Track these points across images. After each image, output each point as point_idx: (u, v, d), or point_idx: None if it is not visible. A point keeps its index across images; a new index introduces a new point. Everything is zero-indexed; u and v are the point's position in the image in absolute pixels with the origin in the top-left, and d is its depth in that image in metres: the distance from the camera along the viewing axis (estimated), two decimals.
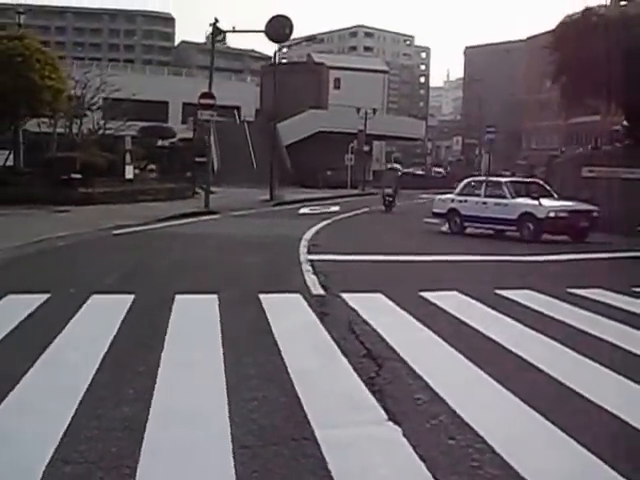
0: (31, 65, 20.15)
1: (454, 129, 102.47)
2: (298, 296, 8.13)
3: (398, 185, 27.48)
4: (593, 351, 5.94)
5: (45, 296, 7.73)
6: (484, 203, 17.64)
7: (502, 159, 73.35)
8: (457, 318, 7.22)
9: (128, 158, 24.54)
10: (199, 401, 4.48)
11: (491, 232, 17.75)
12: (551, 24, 21.03)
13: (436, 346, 6.09)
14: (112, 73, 33.04)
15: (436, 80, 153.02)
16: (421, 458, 3.64)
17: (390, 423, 4.14)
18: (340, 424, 4.14)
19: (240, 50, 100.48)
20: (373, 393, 4.67)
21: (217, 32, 23.04)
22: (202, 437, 3.87)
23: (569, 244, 15.87)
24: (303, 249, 13.03)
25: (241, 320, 6.94)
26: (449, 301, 8.08)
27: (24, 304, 7.20)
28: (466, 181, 19.35)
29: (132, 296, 7.85)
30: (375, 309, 7.56)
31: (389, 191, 26.60)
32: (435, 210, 19.50)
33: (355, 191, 41.78)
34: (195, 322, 6.86)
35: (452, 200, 18.73)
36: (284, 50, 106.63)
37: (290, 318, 7.10)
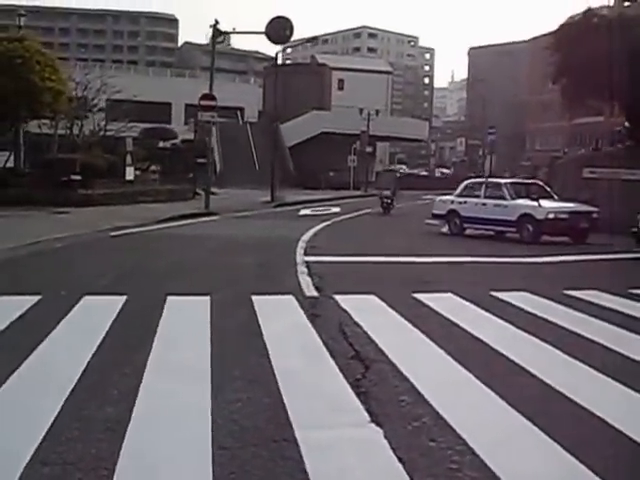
0: (31, 67, 20.21)
1: (458, 130, 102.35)
2: (291, 297, 8.12)
3: (397, 187, 27.01)
4: (584, 353, 5.90)
5: (36, 298, 7.74)
6: (484, 204, 17.61)
7: (506, 160, 73.23)
8: (449, 320, 7.20)
9: (129, 159, 24.58)
10: (182, 402, 4.47)
11: (491, 233, 17.71)
12: (555, 25, 20.97)
13: (425, 348, 6.07)
14: (113, 74, 33.00)
15: (440, 81, 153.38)
16: (400, 460, 3.62)
17: (372, 425, 4.12)
18: (322, 426, 4.13)
19: (244, 51, 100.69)
20: (358, 395, 4.65)
21: (217, 33, 23.00)
22: (182, 438, 3.86)
23: (568, 245, 15.83)
24: (300, 250, 13.02)
25: (231, 321, 6.94)
26: (442, 303, 8.06)
27: (15, 305, 7.21)
28: (466, 182, 19.32)
29: (124, 297, 7.85)
30: (367, 311, 7.55)
31: (387, 193, 26.00)
32: (435, 211, 19.47)
33: (357, 192, 41.74)
34: (185, 323, 6.86)
35: (452, 201, 18.70)
36: (288, 51, 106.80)
37: (281, 319, 7.10)
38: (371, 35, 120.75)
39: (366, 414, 4.29)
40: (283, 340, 6.19)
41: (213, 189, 30.16)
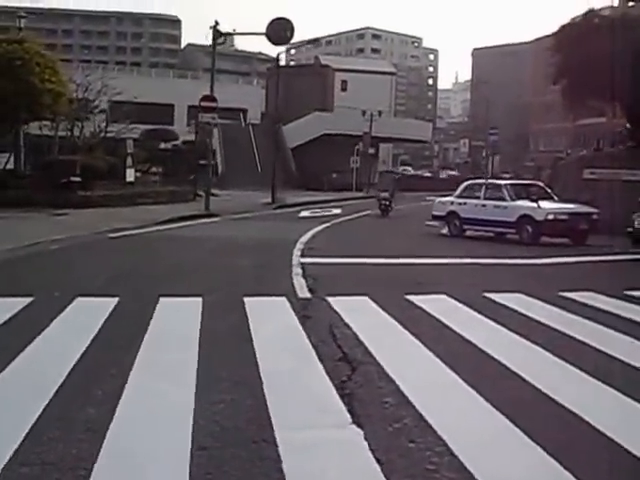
0: (31, 68, 20.29)
1: (461, 131, 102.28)
2: (283, 299, 8.12)
3: (395, 188, 26.45)
4: (575, 356, 5.86)
5: (29, 299, 7.76)
6: (483, 205, 17.58)
7: (510, 161, 73.15)
8: (440, 322, 7.18)
9: (129, 161, 24.63)
10: (166, 403, 4.48)
11: (491, 235, 17.68)
12: (558, 26, 21.01)
13: (414, 350, 6.06)
14: (114, 76, 33.06)
15: (445, 82, 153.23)
16: (378, 461, 3.62)
17: (353, 426, 4.12)
18: (303, 427, 4.13)
19: (248, 53, 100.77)
20: (342, 396, 4.65)
21: (218, 35, 23.01)
22: (162, 439, 3.87)
23: (568, 247, 15.80)
24: (297, 252, 13.02)
25: (222, 323, 6.94)
26: (435, 304, 8.04)
27: (6, 307, 7.23)
28: (466, 183, 19.29)
29: (116, 299, 7.86)
30: (359, 312, 7.55)
31: (385, 195, 25.33)
32: (435, 213, 19.45)
33: (359, 194, 41.72)
34: (175, 325, 6.87)
35: (451, 202, 18.67)
36: (292, 52, 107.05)
37: (271, 321, 7.11)
38: (375, 36, 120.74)
39: (348, 415, 4.29)
40: (272, 342, 6.19)
41: (215, 191, 30.26)
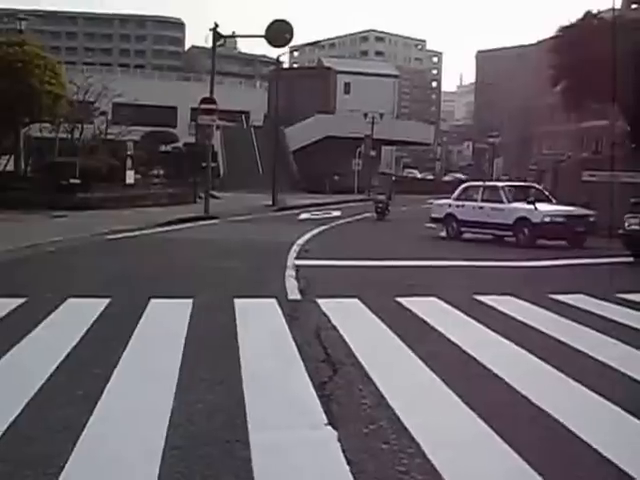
0: (31, 71, 20.41)
1: (465, 134, 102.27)
2: (273, 301, 8.15)
3: (392, 191, 26.12)
4: (559, 359, 5.85)
5: (22, 300, 7.82)
6: (480, 208, 17.60)
7: (514, 164, 73.09)
8: (427, 324, 7.20)
9: (129, 163, 24.72)
10: (144, 403, 4.53)
11: (489, 237, 17.68)
12: (556, 28, 21.11)
13: (398, 352, 6.08)
14: (114, 78, 33.19)
15: (449, 85, 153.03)
16: (348, 462, 3.64)
17: (328, 427, 4.14)
18: (277, 427, 4.17)
19: (251, 55, 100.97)
20: (320, 398, 4.67)
21: (217, 37, 23.08)
22: (137, 438, 3.91)
23: (564, 249, 15.79)
24: (292, 254, 13.07)
25: (209, 324, 6.99)
26: (424, 306, 8.07)
27: None
28: (463, 186, 19.32)
29: (107, 300, 7.91)
30: (347, 314, 7.58)
31: (382, 198, 24.78)
32: (433, 215, 19.49)
33: (361, 196, 41.73)
34: (163, 326, 6.92)
35: (449, 205, 18.70)
36: (295, 55, 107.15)
37: (259, 323, 7.14)
38: (378, 39, 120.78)
39: (324, 416, 4.31)
40: (257, 343, 6.23)
41: (216, 193, 30.33)
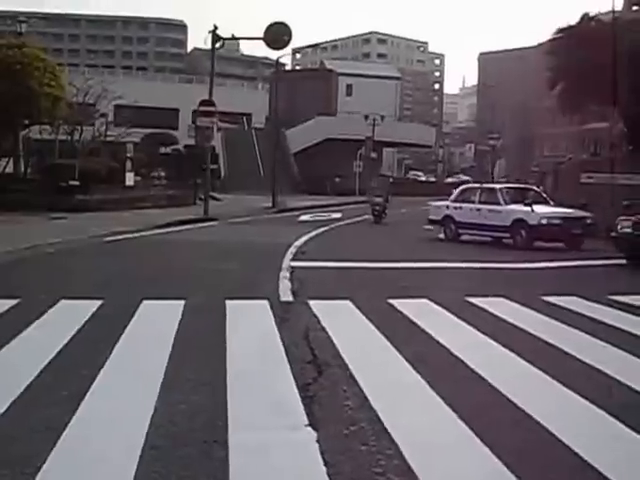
0: (30, 73, 20.49)
1: (467, 136, 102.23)
2: (265, 302, 8.18)
3: (390, 193, 25.55)
4: (546, 361, 5.82)
5: (15, 301, 7.87)
6: (478, 210, 17.62)
7: (516, 165, 73.05)
8: (417, 325, 7.22)
9: (129, 165, 24.79)
10: (127, 403, 4.55)
11: (487, 239, 17.69)
12: (554, 30, 21.15)
13: (385, 353, 6.09)
14: (113, 80, 33.31)
15: (452, 87, 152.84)
16: (325, 463, 3.65)
17: (309, 428, 4.16)
18: (258, 428, 4.18)
19: (254, 57, 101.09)
20: (303, 399, 4.69)
21: (216, 39, 23.15)
22: (117, 438, 3.94)
23: (561, 251, 15.79)
24: (289, 256, 13.10)
25: (199, 325, 7.02)
26: (415, 308, 8.08)
27: None
28: (461, 188, 19.35)
29: (100, 301, 7.95)
30: (337, 316, 7.60)
31: (379, 200, 24.05)
32: (431, 217, 19.51)
33: (362, 198, 41.71)
34: (152, 327, 6.96)
35: (447, 207, 18.72)
36: (297, 57, 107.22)
37: (248, 324, 7.17)
38: (380, 41, 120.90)
39: (305, 417, 4.33)
40: (244, 344, 6.26)
41: (217, 195, 30.36)
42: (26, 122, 23.04)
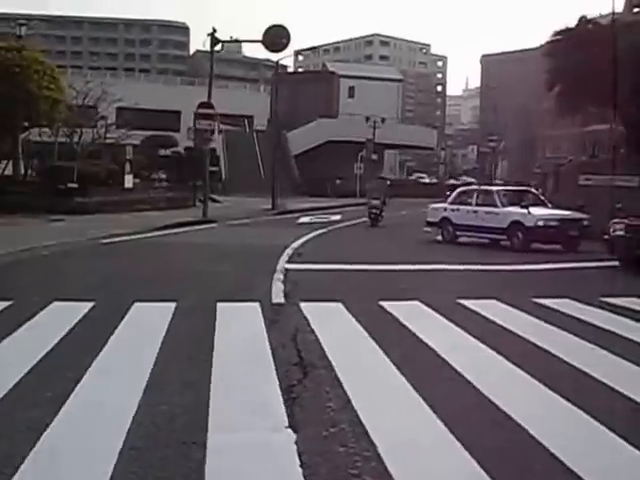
0: (29, 76, 20.58)
1: (470, 137, 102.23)
2: (256, 305, 8.20)
3: (387, 196, 25.10)
4: (533, 364, 5.82)
5: (7, 303, 7.91)
6: (475, 212, 17.64)
7: (519, 167, 73.02)
8: (406, 328, 7.23)
9: (128, 167, 24.84)
10: (110, 404, 4.58)
11: (486, 241, 17.69)
12: (551, 32, 21.23)
13: (372, 356, 6.09)
14: (114, 82, 33.39)
15: (455, 89, 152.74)
16: (302, 465, 3.67)
17: (288, 430, 4.18)
18: (237, 430, 4.21)
19: (257, 59, 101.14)
20: (285, 400, 4.71)
21: (215, 41, 23.21)
22: (97, 439, 3.97)
23: (557, 253, 15.79)
24: (285, 257, 13.13)
25: (188, 327, 7.05)
26: (406, 310, 8.09)
27: None
28: (459, 190, 19.36)
29: (92, 303, 7.98)
30: (327, 318, 7.63)
31: (376, 203, 23.41)
32: (429, 219, 19.52)
33: (362, 200, 41.68)
34: (142, 328, 6.99)
35: (444, 209, 18.74)
36: (300, 59, 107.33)
37: (238, 326, 7.19)
38: (383, 43, 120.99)
39: (286, 419, 4.35)
40: (232, 346, 6.28)
41: (218, 197, 30.42)
42: (25, 125, 23.12)
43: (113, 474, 3.50)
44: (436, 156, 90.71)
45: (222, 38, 23.42)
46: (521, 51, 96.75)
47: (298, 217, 26.77)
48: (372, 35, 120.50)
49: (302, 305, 8.22)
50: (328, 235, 19.87)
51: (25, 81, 20.43)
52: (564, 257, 14.87)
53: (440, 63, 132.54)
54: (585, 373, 5.66)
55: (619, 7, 32.39)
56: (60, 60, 66.97)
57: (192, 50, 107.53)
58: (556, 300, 9.08)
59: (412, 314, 7.91)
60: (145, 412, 4.40)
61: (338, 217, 27.15)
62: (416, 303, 8.63)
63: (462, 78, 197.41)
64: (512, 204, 17.16)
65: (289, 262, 12.51)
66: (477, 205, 17.75)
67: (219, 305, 8.06)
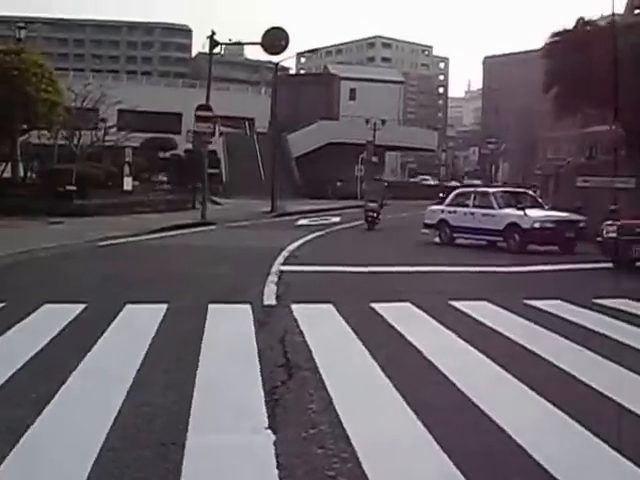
0: (27, 79, 20.66)
1: (472, 139, 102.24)
2: (247, 306, 8.23)
3: (385, 198, 24.89)
4: (518, 365, 5.81)
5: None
6: (472, 214, 17.67)
7: (520, 169, 73.00)
8: (395, 329, 7.24)
9: (127, 170, 24.89)
10: (92, 405, 4.61)
11: (483, 243, 17.72)
12: (549, 33, 21.24)
13: (358, 357, 6.11)
14: (115, 85, 33.48)
15: (457, 91, 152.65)
16: (278, 466, 3.69)
17: (268, 431, 4.19)
18: (217, 431, 4.23)
19: (258, 62, 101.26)
20: (267, 402, 4.73)
21: (214, 44, 23.27)
22: (77, 440, 3.99)
23: (554, 255, 15.81)
24: (280, 260, 13.15)
25: (177, 329, 7.08)
26: (396, 312, 8.11)
27: None
28: (456, 192, 19.40)
29: (83, 305, 8.02)
30: (316, 320, 7.65)
31: (373, 206, 22.91)
32: (426, 221, 19.55)
33: (363, 202, 41.72)
34: (131, 330, 7.02)
35: (442, 211, 18.77)
36: (302, 61, 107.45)
37: (227, 327, 7.22)
38: (385, 45, 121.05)
39: (267, 420, 4.37)
40: (219, 347, 6.31)
41: (219, 199, 30.46)
42: (24, 127, 23.20)
43: (90, 475, 3.52)
44: (437, 158, 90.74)
45: (225, 40, 23.51)
46: (524, 53, 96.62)
47: (297, 219, 26.79)
48: (374, 37, 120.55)
49: (293, 307, 8.24)
50: (326, 237, 19.90)
51: (23, 84, 20.53)
52: (559, 259, 14.89)
53: (442, 65, 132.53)
54: (573, 376, 5.62)
55: (620, 9, 32.48)
56: (63, 63, 67.21)
57: (194, 53, 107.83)
58: (547, 302, 9.09)
59: (402, 316, 7.93)
60: (127, 413, 4.42)
61: (337, 219, 27.18)
62: (407, 305, 8.65)
63: (464, 80, 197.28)
64: (509, 206, 17.21)
65: (284, 264, 12.53)
66: (474, 207, 17.78)
67: (210, 307, 8.09)
